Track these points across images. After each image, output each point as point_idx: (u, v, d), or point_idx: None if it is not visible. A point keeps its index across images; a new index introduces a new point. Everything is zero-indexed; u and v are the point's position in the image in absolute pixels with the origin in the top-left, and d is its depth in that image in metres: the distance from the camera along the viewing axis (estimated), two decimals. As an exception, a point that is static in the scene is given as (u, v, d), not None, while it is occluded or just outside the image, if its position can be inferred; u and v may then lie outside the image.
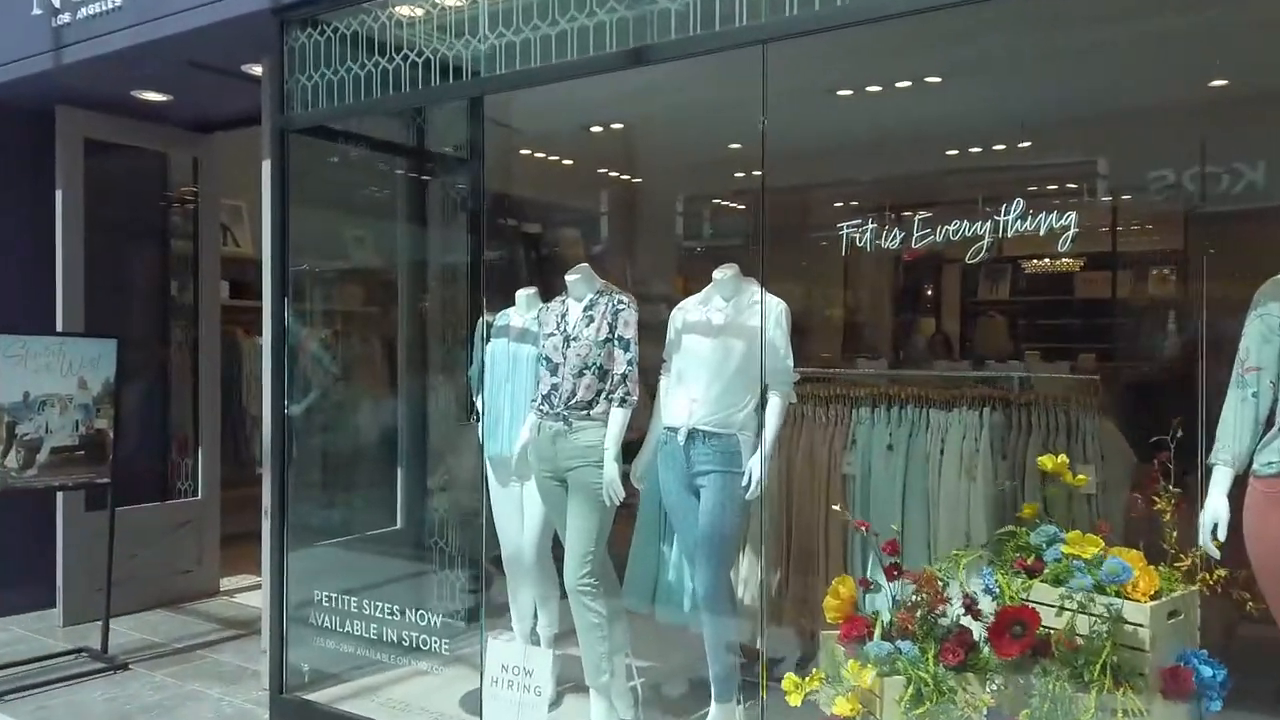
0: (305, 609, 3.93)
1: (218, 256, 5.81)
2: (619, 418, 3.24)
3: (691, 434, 3.18)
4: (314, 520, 4.26)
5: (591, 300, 3.38)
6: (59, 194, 4.93)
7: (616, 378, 3.27)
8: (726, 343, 3.19)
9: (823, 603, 2.84)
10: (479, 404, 3.92)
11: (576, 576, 3.23)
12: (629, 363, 3.27)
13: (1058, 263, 5.77)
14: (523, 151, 5.20)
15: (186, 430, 5.72)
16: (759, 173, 3.07)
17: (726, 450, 3.15)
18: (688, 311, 3.33)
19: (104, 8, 4.18)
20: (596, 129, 5.27)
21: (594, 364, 3.28)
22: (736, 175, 5.88)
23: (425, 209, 4.83)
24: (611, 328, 3.30)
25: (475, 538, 4.15)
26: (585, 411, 3.28)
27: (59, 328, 4.81)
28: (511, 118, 4.29)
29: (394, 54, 3.54)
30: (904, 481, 3.43)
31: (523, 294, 3.77)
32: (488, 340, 3.83)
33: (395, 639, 3.71)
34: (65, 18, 4.33)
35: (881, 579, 2.81)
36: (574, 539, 3.26)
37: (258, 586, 5.61)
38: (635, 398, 3.28)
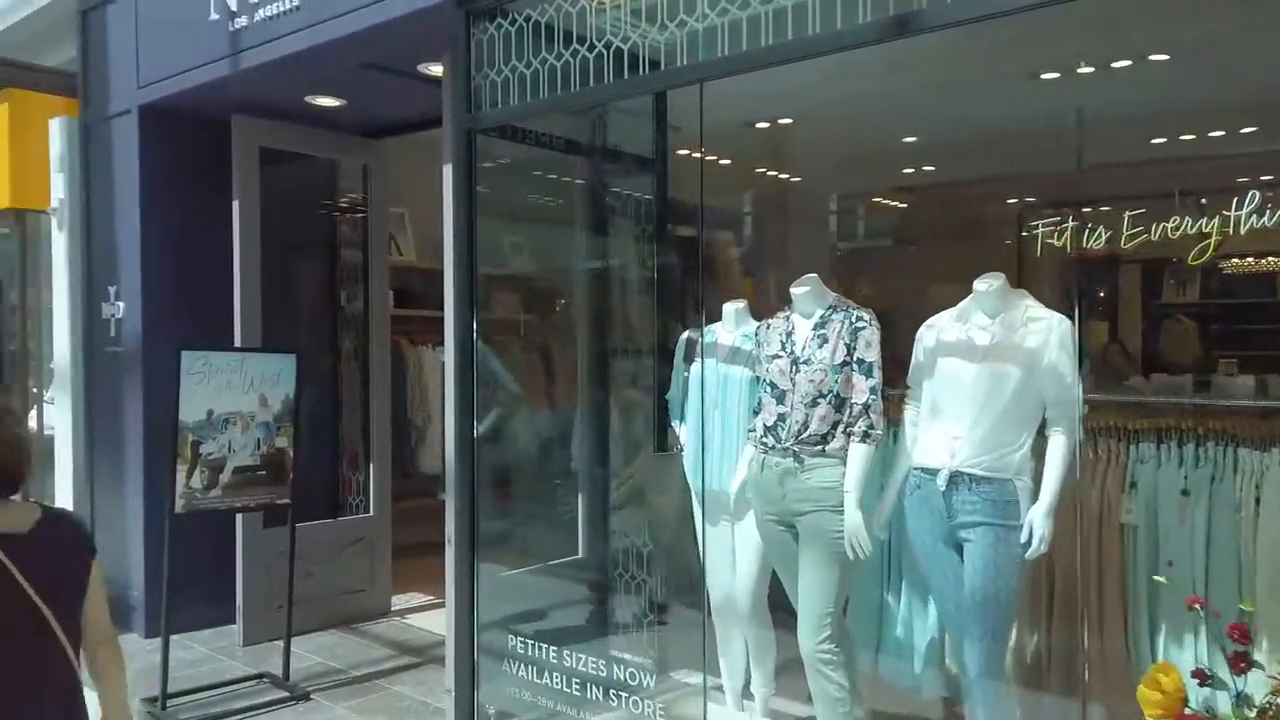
0: (486, 640, 3.63)
1: (386, 265, 5.64)
2: (862, 455, 2.77)
3: (954, 478, 2.67)
4: (491, 546, 3.97)
5: (823, 317, 2.92)
6: (235, 205, 4.82)
7: (857, 408, 2.80)
8: (996, 369, 2.66)
9: (1137, 692, 2.31)
10: (678, 430, 3.53)
11: (815, 642, 2.78)
12: (872, 391, 2.79)
13: (1261, 261, 4.97)
14: (680, 151, 4.82)
15: (356, 444, 5.58)
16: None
17: (999, 499, 2.63)
18: (941, 330, 2.82)
19: (281, 8, 3.99)
20: (762, 125, 4.83)
21: (830, 392, 2.82)
22: (906, 171, 5.34)
23: (602, 213, 4.47)
24: (849, 349, 2.84)
25: (671, 576, 3.76)
26: (819, 447, 2.82)
27: (237, 342, 4.70)
28: (675, 115, 3.90)
29: (592, 42, 3.17)
30: (1206, 536, 2.82)
31: (731, 308, 3.35)
32: (689, 359, 3.43)
33: (584, 683, 3.36)
34: (243, 21, 4.17)
35: (1220, 670, 2.25)
36: (810, 597, 2.81)
37: (430, 607, 5.44)
38: (880, 431, 2.80)
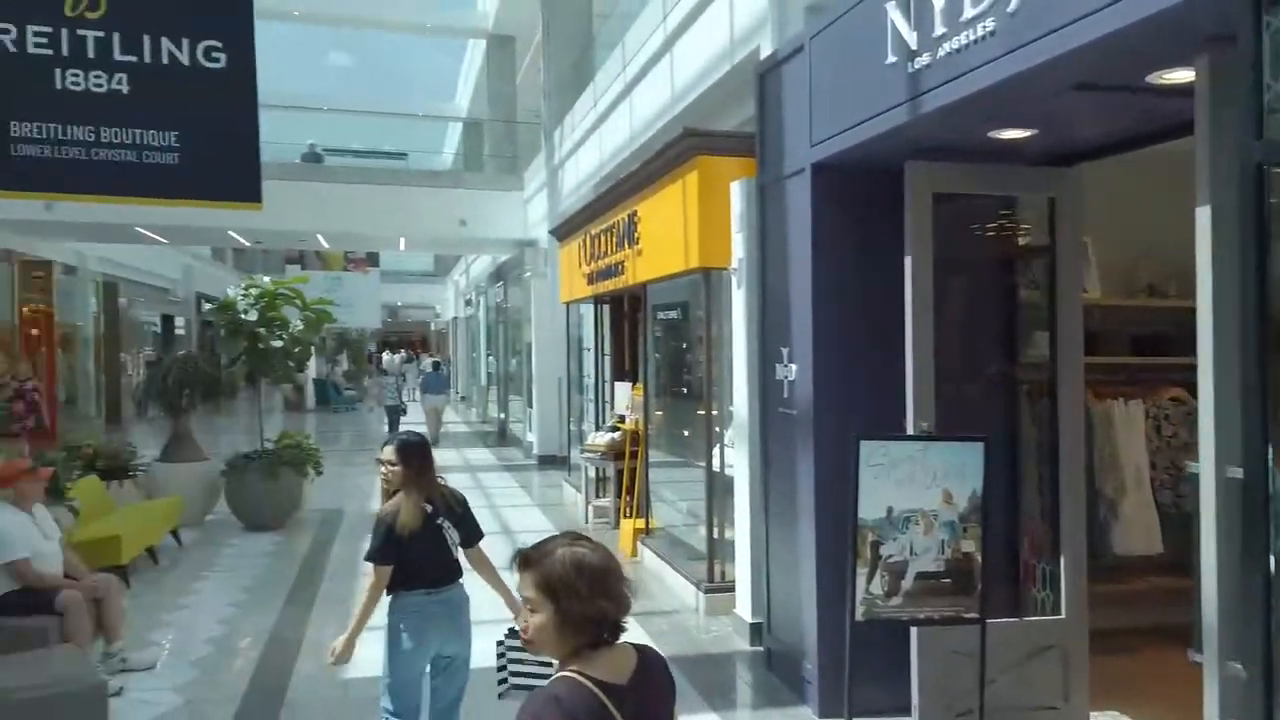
0: None
1: (1079, 309, 4.68)
2: None
3: None
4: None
5: None
6: (908, 261, 4.35)
7: None
8: None
9: None
10: None
11: None
12: None
13: None
14: None
15: (1037, 524, 4.74)
16: None
17: None
18: None
19: (973, 36, 3.37)
20: None
21: None
22: None
23: None
24: None
25: None
26: None
27: (908, 421, 4.22)
28: None
29: None
30: None
31: None
32: None
33: None
34: (924, 59, 3.66)
35: None
36: None
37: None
38: None
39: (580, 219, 9.89)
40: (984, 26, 3.31)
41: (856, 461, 3.47)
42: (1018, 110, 3.71)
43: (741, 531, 5.95)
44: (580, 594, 1.73)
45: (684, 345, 8.09)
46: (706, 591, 6.43)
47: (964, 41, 3.41)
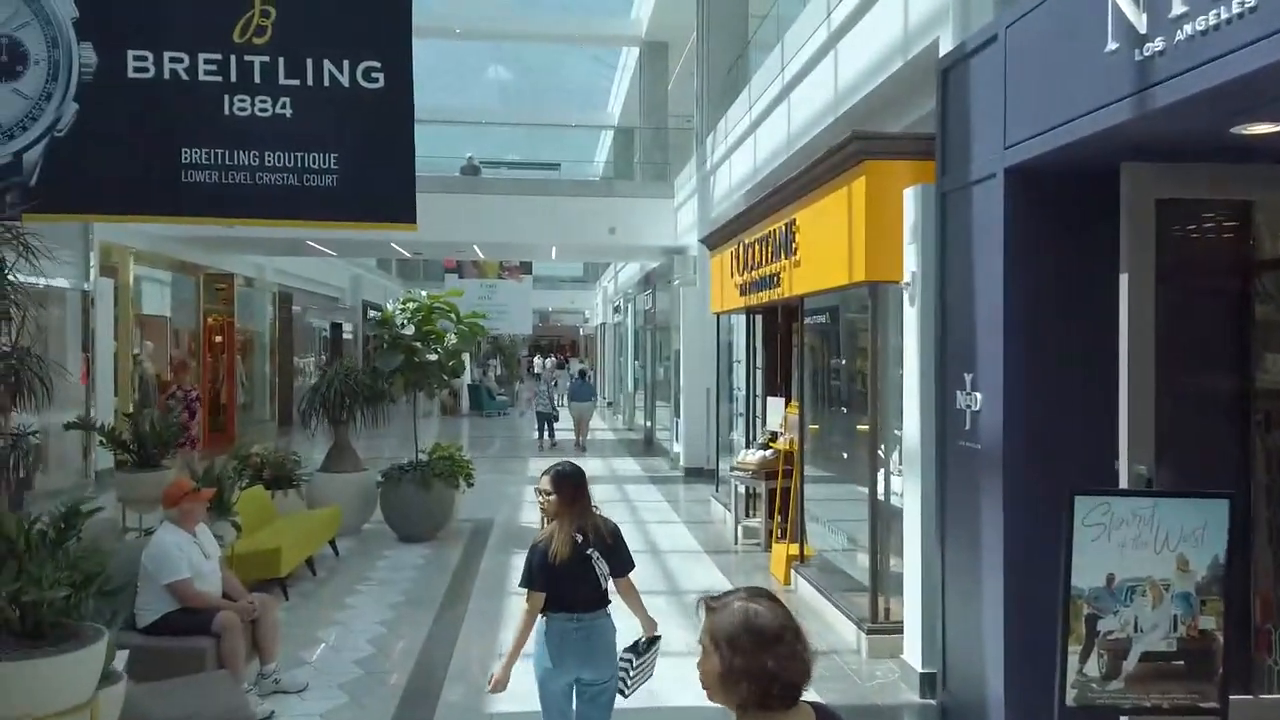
0: None
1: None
2: None
3: None
4: None
5: None
6: (1123, 280, 3.77)
7: None
8: None
9: None
10: None
11: None
12: None
13: None
14: None
15: (1270, 589, 4.03)
16: None
17: None
18: None
19: (1223, 15, 2.80)
20: None
21: None
22: None
23: None
24: None
25: None
26: None
27: (1121, 464, 3.64)
28: None
29: None
30: None
31: None
32: None
33: None
34: (1157, 44, 3.09)
35: None
36: None
37: None
38: None
39: (733, 227, 9.53)
40: (1240, 3, 2.73)
41: (1070, 520, 2.95)
42: (1273, 101, 3.09)
43: (911, 571, 5.42)
44: (746, 650, 1.75)
45: (843, 362, 7.60)
46: (869, 632, 5.93)
47: (1211, 22, 2.84)
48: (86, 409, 11.07)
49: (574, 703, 3.61)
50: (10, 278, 4.76)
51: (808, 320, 7.72)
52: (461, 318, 9.82)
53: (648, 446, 18.09)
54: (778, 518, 8.31)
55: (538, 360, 35.49)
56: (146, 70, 4.88)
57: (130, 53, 4.86)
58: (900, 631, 5.63)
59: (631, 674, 3.54)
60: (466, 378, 25.07)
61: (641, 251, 17.48)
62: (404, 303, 9.72)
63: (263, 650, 4.99)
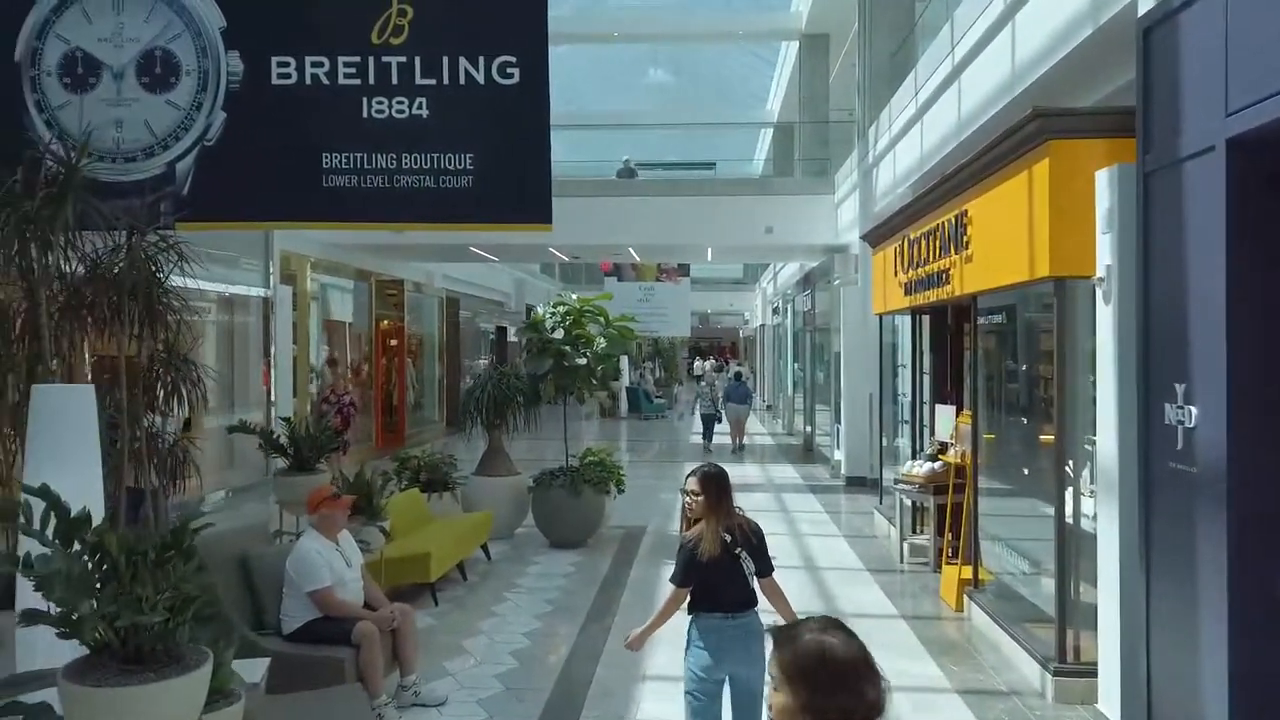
0: None
1: None
2: None
3: None
4: None
5: None
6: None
7: None
8: None
9: None
10: None
11: None
12: None
13: None
14: None
15: None
16: None
17: None
18: None
19: None
20: None
21: None
22: None
23: None
24: None
25: None
26: None
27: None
28: None
29: None
30: None
31: None
32: None
33: None
34: None
35: None
36: None
37: None
38: None
39: (896, 222, 8.89)
40: None
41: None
42: None
43: (1108, 608, 4.74)
44: (817, 686, 1.71)
45: (1023, 368, 6.88)
46: (1056, 673, 5.26)
47: None
48: (267, 411, 11.67)
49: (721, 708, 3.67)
50: (167, 284, 4.89)
51: (981, 321, 7.04)
52: (611, 321, 9.65)
53: (807, 453, 17.46)
54: (948, 535, 7.65)
55: (698, 362, 35.27)
56: (289, 76, 4.92)
57: (274, 59, 4.91)
58: (1093, 674, 4.96)
59: None
60: (625, 380, 25.12)
61: (800, 250, 16.92)
62: (554, 306, 9.65)
63: (402, 661, 4.92)
